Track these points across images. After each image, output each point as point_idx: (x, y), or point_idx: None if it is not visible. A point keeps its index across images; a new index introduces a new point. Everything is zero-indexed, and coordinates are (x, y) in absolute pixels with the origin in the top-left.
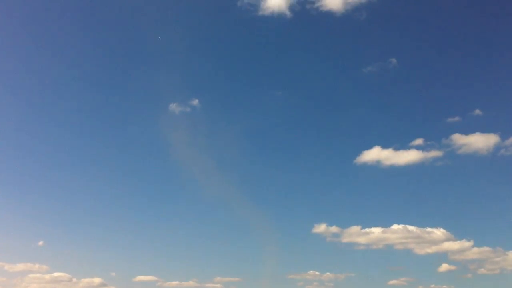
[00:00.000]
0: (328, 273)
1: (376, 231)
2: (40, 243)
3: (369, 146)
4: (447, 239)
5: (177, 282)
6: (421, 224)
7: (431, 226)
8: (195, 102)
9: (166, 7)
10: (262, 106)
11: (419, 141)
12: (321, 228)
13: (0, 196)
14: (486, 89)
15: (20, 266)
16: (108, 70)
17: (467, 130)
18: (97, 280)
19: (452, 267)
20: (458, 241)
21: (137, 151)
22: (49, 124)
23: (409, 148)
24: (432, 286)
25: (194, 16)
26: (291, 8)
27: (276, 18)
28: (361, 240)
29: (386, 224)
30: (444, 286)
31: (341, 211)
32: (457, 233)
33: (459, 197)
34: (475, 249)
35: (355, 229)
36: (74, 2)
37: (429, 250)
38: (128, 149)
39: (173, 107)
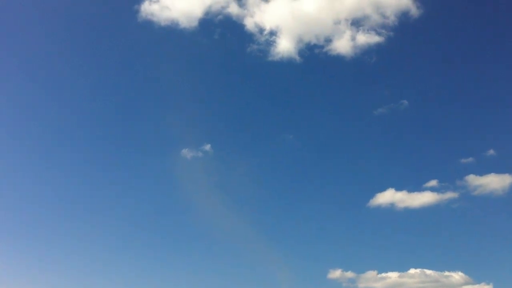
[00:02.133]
0: None
1: (393, 275)
2: None
3: (382, 189)
4: (466, 283)
5: None
6: (438, 267)
7: (449, 270)
8: (207, 147)
9: (177, 54)
10: (274, 149)
11: (433, 183)
12: (336, 273)
13: None
14: (499, 129)
15: None
16: (119, 116)
17: (481, 171)
18: None
19: None
20: (477, 285)
21: (149, 197)
22: (58, 173)
23: (423, 190)
24: None
25: (205, 62)
26: (300, 53)
27: (285, 63)
28: (378, 285)
29: (403, 268)
30: None
31: (356, 256)
32: (475, 277)
33: (477, 240)
34: None
35: (371, 274)
36: (83, 43)
37: None
38: (140, 195)
39: (185, 152)
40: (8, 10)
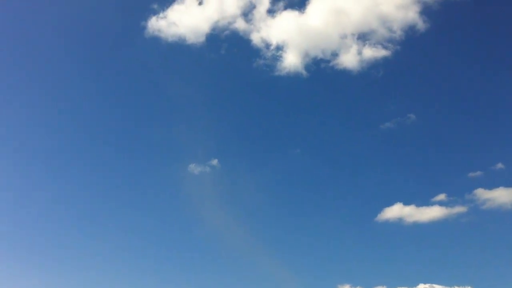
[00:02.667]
0: None
1: None
2: None
3: (390, 203)
4: None
5: None
6: (448, 282)
7: (459, 285)
8: (215, 161)
9: (184, 69)
10: (281, 164)
11: (441, 197)
12: None
13: None
14: (507, 142)
15: None
16: (127, 131)
17: (490, 184)
18: None
19: None
20: None
21: (156, 212)
22: (66, 185)
23: (432, 204)
24: None
25: (212, 77)
26: (307, 67)
27: (292, 78)
28: None
29: (412, 283)
30: None
31: (365, 271)
32: None
33: (486, 254)
34: None
35: None
36: (92, 59)
37: None
38: (148, 210)
39: (193, 167)
40: (22, 29)
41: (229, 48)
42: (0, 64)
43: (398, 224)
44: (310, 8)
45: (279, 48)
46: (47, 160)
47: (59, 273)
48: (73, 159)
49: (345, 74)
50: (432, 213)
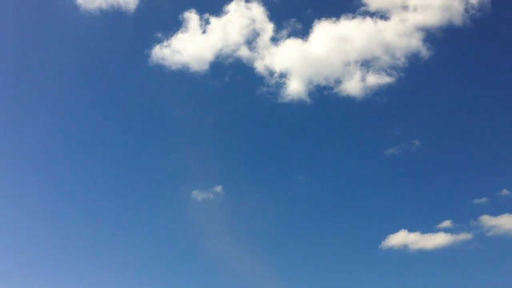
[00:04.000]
0: None
1: None
2: None
3: (394, 230)
4: None
5: None
6: None
7: None
8: (218, 188)
9: (188, 97)
10: (285, 190)
11: (446, 223)
12: None
13: None
14: None
15: None
16: (129, 158)
17: (495, 211)
18: None
19: None
20: None
21: (158, 239)
22: (68, 214)
23: (437, 231)
24: None
25: (216, 105)
26: (311, 95)
27: (296, 105)
28: None
29: None
30: None
31: None
32: None
33: (492, 282)
34: None
35: None
36: (94, 87)
37: None
38: (149, 237)
39: (196, 194)
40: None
41: (232, 76)
42: (5, 95)
43: (403, 252)
44: (313, 36)
45: (282, 75)
46: (50, 193)
47: None
48: (75, 187)
49: (348, 101)
50: (437, 240)
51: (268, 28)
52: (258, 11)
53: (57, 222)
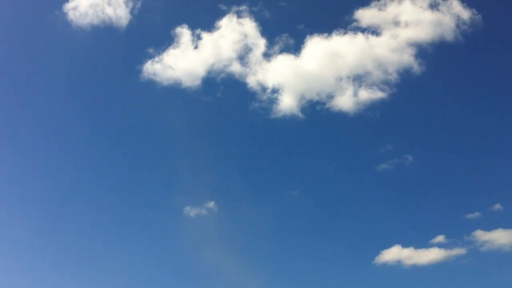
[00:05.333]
0: None
1: None
2: None
3: (388, 246)
4: None
5: None
6: None
7: None
8: (211, 204)
9: (180, 113)
10: (278, 206)
11: (440, 238)
12: None
13: None
14: (505, 183)
15: None
16: (120, 173)
17: (489, 226)
18: None
19: None
20: None
21: (149, 256)
22: (60, 232)
23: (431, 246)
24: None
25: (208, 120)
26: (303, 110)
27: (288, 120)
28: None
29: None
30: None
31: None
32: None
33: None
34: None
35: None
36: (84, 103)
37: None
38: (140, 254)
39: (188, 209)
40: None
41: (225, 91)
42: None
43: (396, 267)
44: (305, 52)
45: (275, 91)
46: (42, 207)
47: None
48: (67, 204)
49: (341, 116)
50: (431, 255)
51: (260, 44)
52: (250, 27)
53: (50, 239)
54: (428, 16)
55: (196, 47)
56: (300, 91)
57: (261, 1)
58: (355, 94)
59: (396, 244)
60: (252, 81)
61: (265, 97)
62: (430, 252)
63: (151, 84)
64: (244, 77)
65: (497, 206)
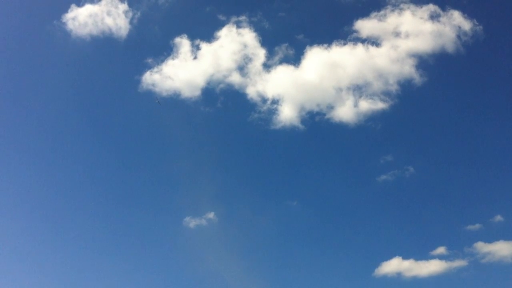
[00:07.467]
0: None
1: None
2: None
3: (388, 257)
4: None
5: None
6: None
7: None
8: (211, 215)
9: (179, 123)
10: (278, 216)
11: (441, 250)
12: None
13: None
14: (505, 195)
15: None
16: (120, 185)
17: (489, 238)
18: None
19: None
20: None
21: (149, 267)
22: (59, 246)
23: (431, 258)
24: None
25: (207, 131)
26: (303, 121)
27: (288, 131)
28: None
29: None
30: None
31: None
32: None
33: None
34: None
35: None
36: (84, 113)
37: None
38: (141, 266)
39: (188, 220)
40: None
41: (224, 102)
42: None
43: (397, 279)
44: (305, 62)
45: (274, 101)
46: (42, 217)
47: None
48: (68, 215)
49: (341, 126)
50: (431, 267)
51: (260, 54)
52: (249, 37)
53: (50, 248)
54: (429, 27)
55: (195, 58)
56: (300, 102)
57: (261, 12)
58: (356, 105)
59: (397, 256)
60: (252, 91)
61: (265, 108)
62: (431, 264)
63: (150, 95)
64: (244, 88)
65: (498, 218)
